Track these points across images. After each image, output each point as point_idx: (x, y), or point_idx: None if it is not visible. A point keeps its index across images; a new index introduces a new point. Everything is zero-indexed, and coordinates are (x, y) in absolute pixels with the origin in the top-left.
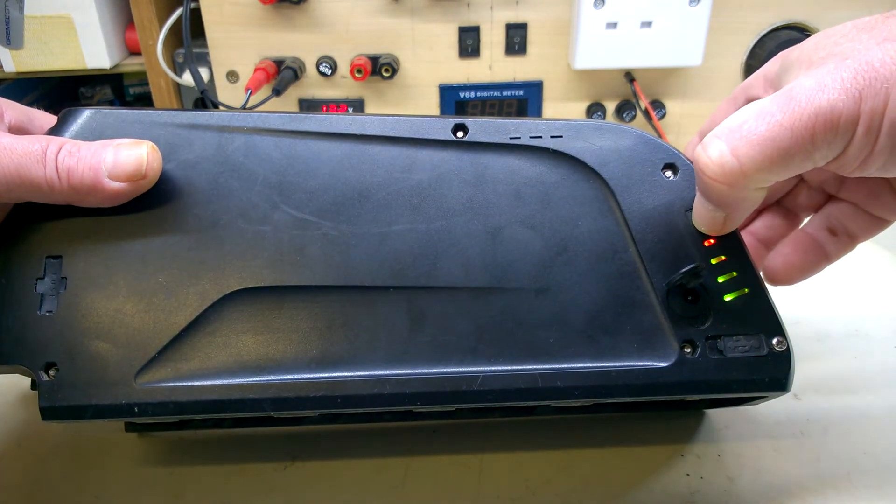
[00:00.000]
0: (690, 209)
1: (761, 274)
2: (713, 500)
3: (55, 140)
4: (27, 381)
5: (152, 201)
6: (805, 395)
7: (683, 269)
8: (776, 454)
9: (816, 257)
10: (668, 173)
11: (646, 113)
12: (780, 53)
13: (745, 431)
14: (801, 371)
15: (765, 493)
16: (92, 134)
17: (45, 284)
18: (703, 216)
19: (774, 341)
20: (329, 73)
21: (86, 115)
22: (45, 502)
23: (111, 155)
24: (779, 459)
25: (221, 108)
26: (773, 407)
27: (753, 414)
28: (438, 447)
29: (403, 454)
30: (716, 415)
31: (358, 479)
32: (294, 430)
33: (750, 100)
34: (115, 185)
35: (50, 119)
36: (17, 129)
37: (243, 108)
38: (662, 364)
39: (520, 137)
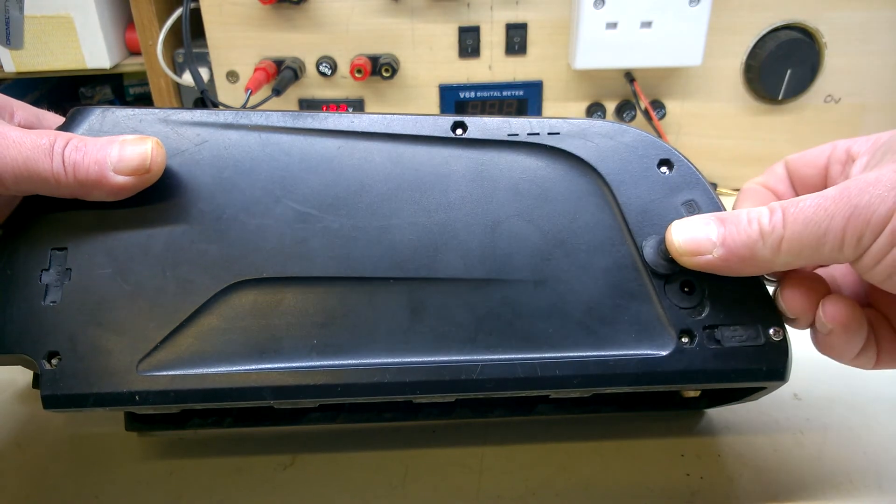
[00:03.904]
0: (685, 203)
1: (820, 313)
2: (713, 500)
3: (63, 135)
4: (26, 380)
5: (157, 195)
6: (805, 395)
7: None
8: (776, 454)
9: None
10: (664, 169)
11: (646, 113)
12: None
13: (745, 432)
14: (801, 371)
15: (765, 494)
16: (100, 132)
17: (49, 275)
18: (700, 243)
19: (771, 331)
20: (329, 73)
21: (94, 113)
22: (45, 502)
23: (116, 150)
24: (779, 459)
25: (221, 107)
26: (773, 407)
27: (754, 414)
28: (438, 447)
29: (403, 454)
30: (716, 415)
31: (358, 479)
32: (294, 430)
33: (849, 154)
34: (120, 178)
35: (58, 120)
36: (27, 129)
37: (243, 108)
38: (660, 353)
39: (518, 135)
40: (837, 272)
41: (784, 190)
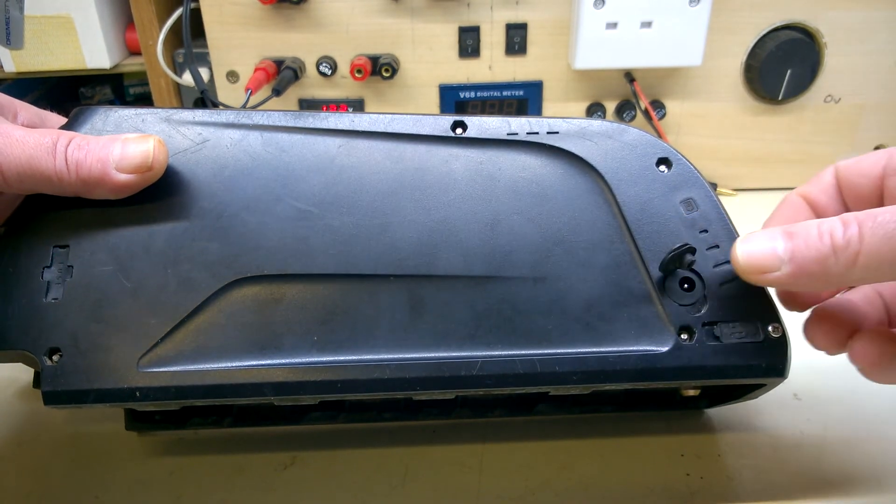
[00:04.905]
0: (684, 201)
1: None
2: (713, 500)
3: (65, 134)
4: (27, 378)
5: (158, 193)
6: (805, 394)
7: (675, 247)
8: (776, 454)
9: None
10: (662, 167)
11: (646, 113)
12: None
13: (745, 432)
14: (801, 370)
15: (765, 493)
16: (102, 131)
17: (51, 272)
18: (767, 259)
19: (770, 328)
20: (329, 73)
21: (97, 113)
22: (45, 501)
23: (119, 148)
24: (779, 459)
25: (222, 107)
26: (773, 407)
27: (754, 414)
28: (438, 447)
29: (403, 454)
30: (716, 415)
31: (358, 479)
32: (294, 431)
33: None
34: (122, 176)
35: (61, 120)
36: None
37: (243, 108)
38: (660, 350)
39: (517, 134)
40: (886, 288)
41: (827, 201)
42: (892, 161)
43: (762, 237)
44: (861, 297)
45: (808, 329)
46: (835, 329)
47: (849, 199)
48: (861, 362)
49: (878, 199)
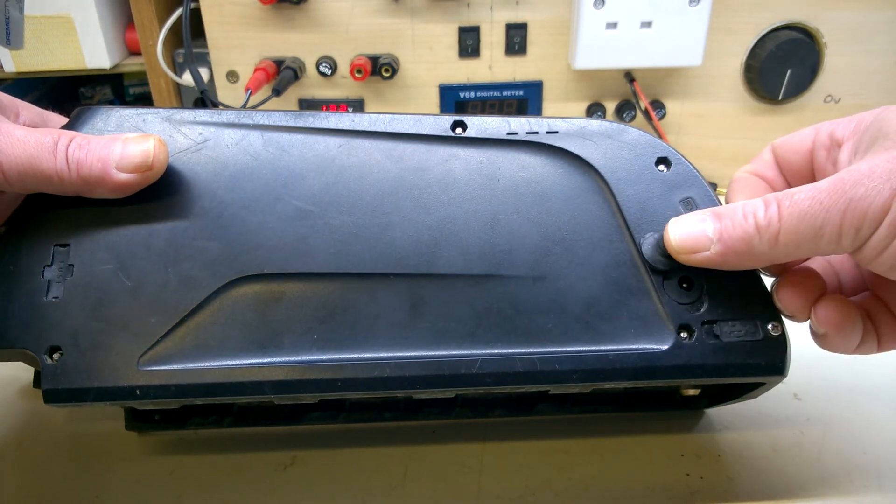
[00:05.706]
0: (683, 201)
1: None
2: (713, 500)
3: (66, 133)
4: (28, 377)
5: (159, 193)
6: (805, 395)
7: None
8: (776, 454)
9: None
10: (662, 167)
11: (646, 113)
12: (885, 113)
13: (745, 432)
14: (801, 371)
15: (765, 493)
16: (104, 131)
17: (52, 271)
18: (697, 240)
19: (769, 326)
20: (329, 73)
21: (98, 112)
22: (45, 500)
23: (119, 147)
24: (779, 459)
25: (222, 107)
26: (773, 407)
27: (753, 414)
28: (438, 447)
29: (403, 453)
30: (716, 415)
31: (358, 479)
32: (294, 431)
33: (833, 139)
34: (123, 176)
35: (63, 120)
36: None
37: (243, 108)
38: (659, 348)
39: (517, 133)
40: (834, 258)
41: (773, 176)
42: (819, 136)
43: (693, 219)
44: (818, 265)
45: (781, 288)
46: (804, 293)
47: (787, 174)
48: (826, 325)
49: (811, 173)
